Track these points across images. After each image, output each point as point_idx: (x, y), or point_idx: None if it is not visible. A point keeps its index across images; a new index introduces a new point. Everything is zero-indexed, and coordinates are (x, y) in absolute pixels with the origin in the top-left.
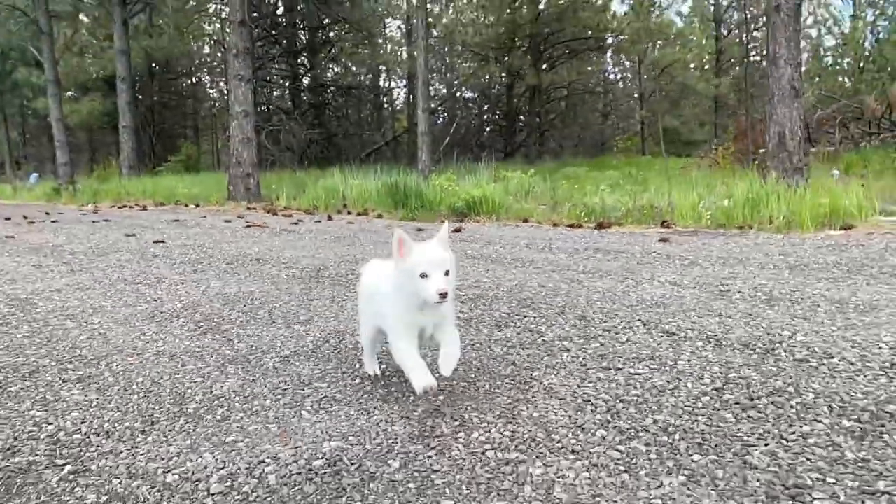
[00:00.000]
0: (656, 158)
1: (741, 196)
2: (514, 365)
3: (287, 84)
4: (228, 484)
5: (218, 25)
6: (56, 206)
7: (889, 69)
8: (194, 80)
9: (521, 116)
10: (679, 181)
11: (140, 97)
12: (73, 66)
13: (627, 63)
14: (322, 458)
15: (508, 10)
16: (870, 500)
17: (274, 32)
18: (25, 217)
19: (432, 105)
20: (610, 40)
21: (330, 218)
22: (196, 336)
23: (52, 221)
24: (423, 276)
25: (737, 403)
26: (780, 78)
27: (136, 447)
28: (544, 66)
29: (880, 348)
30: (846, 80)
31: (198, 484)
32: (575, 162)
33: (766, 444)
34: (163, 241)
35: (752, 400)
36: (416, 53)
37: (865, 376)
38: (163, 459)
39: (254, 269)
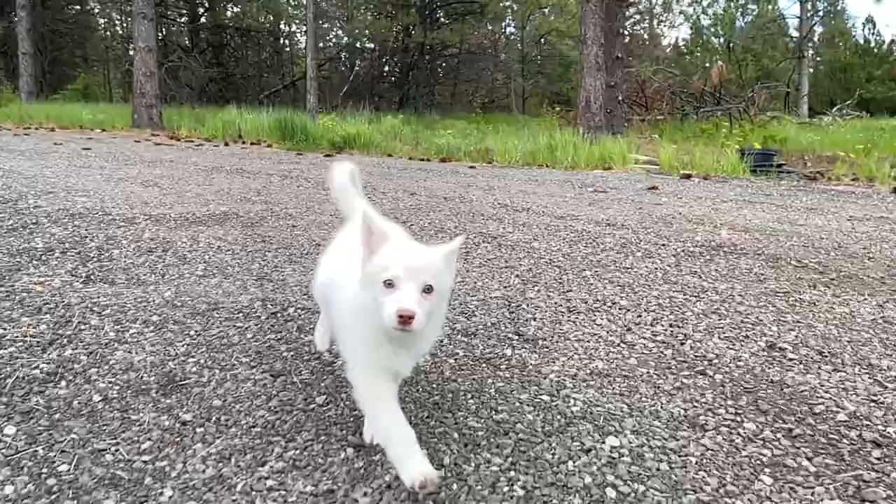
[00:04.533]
0: (534, 117)
1: (543, 143)
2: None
3: (185, 22)
4: (182, 213)
5: None
6: None
7: (753, 49)
8: (86, 8)
9: (413, 71)
10: (521, 133)
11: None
12: None
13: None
14: (213, 212)
15: None
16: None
17: None
18: None
19: (332, 53)
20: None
21: (227, 144)
22: (143, 188)
23: None
24: (387, 284)
25: (412, 206)
26: (589, 55)
27: (113, 211)
28: (435, 25)
29: (501, 200)
30: (717, 58)
31: (164, 214)
32: (457, 115)
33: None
34: (89, 149)
35: (416, 205)
36: (306, 4)
37: (484, 206)
38: (119, 211)
39: (170, 165)
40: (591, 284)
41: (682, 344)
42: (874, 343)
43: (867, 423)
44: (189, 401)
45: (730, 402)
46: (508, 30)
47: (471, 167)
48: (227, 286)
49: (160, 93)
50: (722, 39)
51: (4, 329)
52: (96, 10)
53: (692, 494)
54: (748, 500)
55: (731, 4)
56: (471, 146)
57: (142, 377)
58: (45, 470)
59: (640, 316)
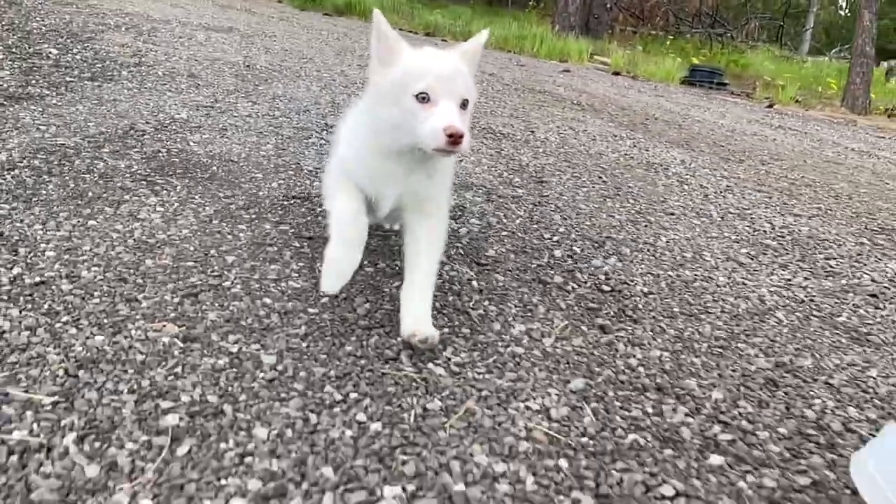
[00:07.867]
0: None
1: (516, 33)
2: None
3: None
4: (200, 23)
5: None
6: None
7: None
8: None
9: None
10: (506, 23)
11: None
12: None
13: None
14: (223, 25)
15: None
16: None
17: None
18: None
19: None
20: None
21: None
22: (172, 8)
23: None
24: (421, 97)
25: (359, 47)
26: None
27: (153, 16)
28: None
29: None
30: None
31: (189, 21)
32: (466, 4)
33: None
34: None
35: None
36: None
37: None
38: (156, 17)
39: (191, 1)
40: None
41: None
42: (550, 125)
43: (502, 129)
44: (201, 84)
45: None
46: None
47: (443, 40)
48: (224, 55)
49: None
50: None
51: (109, 48)
52: None
53: None
54: None
55: None
56: (456, 27)
57: (179, 70)
58: (141, 84)
59: None
